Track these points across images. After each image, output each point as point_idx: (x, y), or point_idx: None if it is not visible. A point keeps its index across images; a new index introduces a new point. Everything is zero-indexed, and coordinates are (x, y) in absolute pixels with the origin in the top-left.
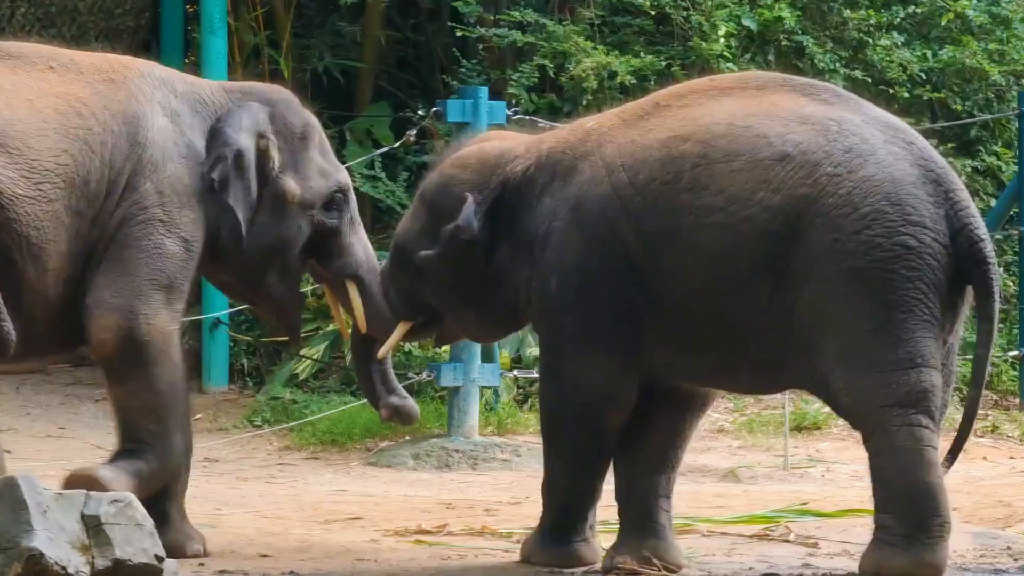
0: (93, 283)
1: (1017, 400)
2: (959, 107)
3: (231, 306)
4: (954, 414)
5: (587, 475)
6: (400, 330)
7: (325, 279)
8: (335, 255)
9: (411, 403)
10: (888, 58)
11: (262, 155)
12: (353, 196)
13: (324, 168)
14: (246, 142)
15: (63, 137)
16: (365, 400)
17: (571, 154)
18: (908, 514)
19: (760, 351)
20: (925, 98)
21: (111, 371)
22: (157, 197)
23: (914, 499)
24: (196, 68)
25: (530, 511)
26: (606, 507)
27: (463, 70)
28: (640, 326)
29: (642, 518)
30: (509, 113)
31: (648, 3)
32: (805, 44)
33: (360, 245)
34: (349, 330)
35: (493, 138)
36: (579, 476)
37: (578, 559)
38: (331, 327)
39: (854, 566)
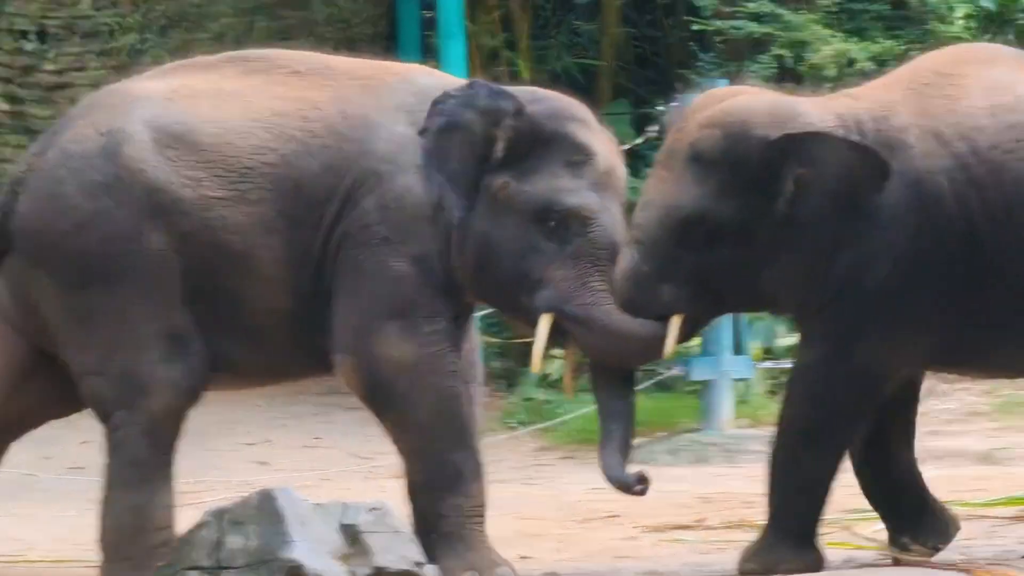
0: (330, 318)
1: None
2: None
3: (480, 308)
4: None
5: (839, 466)
6: (676, 324)
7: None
8: (539, 283)
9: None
10: None
11: (486, 139)
12: (596, 233)
13: (560, 184)
14: (468, 116)
15: (274, 137)
16: None
17: (885, 124)
18: None
19: None
20: None
21: (371, 409)
22: (379, 213)
23: None
24: None
25: None
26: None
27: (701, 64)
28: (955, 308)
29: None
30: None
31: None
32: None
33: (574, 283)
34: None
35: (742, 93)
36: (835, 468)
37: (824, 561)
38: None
39: None
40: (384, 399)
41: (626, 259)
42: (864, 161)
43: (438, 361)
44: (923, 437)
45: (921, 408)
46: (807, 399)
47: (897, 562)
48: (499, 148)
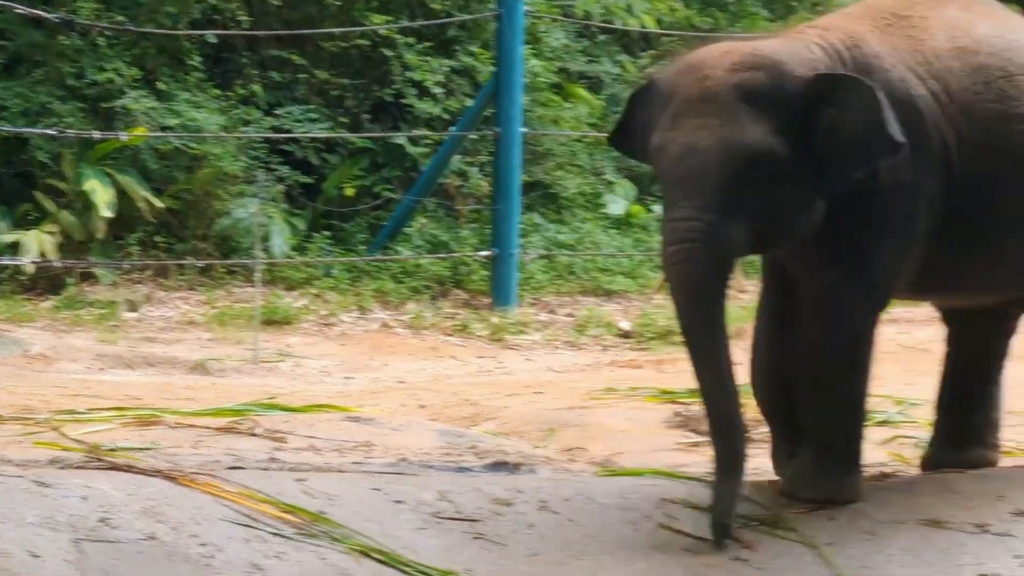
0: None
1: (488, 300)
2: (438, 6)
3: None
4: None
5: None
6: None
7: None
8: None
9: None
10: None
11: None
12: None
13: None
14: None
15: None
16: None
17: (859, 52)
18: None
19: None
20: None
21: None
22: None
23: None
24: None
25: None
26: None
27: None
28: (931, 233)
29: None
30: None
31: None
32: None
33: None
34: None
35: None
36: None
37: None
38: None
39: (320, 460)
40: None
41: (683, 211)
42: (886, 109)
43: None
44: (138, 344)
45: (157, 312)
46: (846, 321)
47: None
48: None
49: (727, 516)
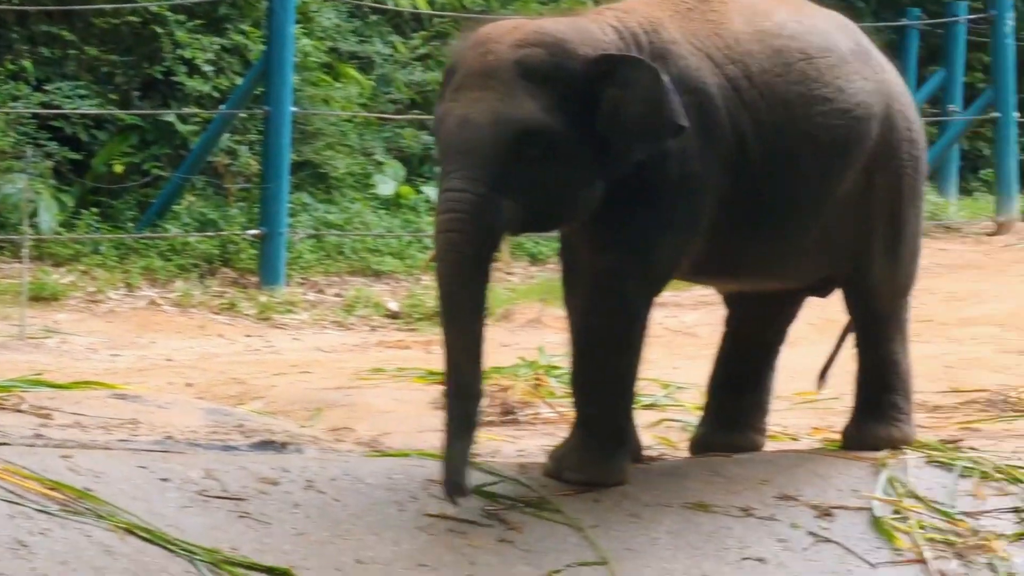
0: None
1: (256, 279)
2: None
3: None
4: None
5: None
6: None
7: None
8: None
9: None
10: None
11: None
12: None
13: None
14: None
15: None
16: None
17: (657, 37)
18: (909, 393)
19: (825, 236)
20: None
21: None
22: None
23: (910, 380)
24: None
25: None
26: None
27: None
28: (719, 222)
29: None
30: None
31: None
32: None
33: None
34: None
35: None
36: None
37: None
38: None
39: (86, 437)
40: None
41: (455, 182)
42: (669, 92)
43: None
44: None
45: None
46: (621, 292)
47: None
48: None
49: (460, 475)
